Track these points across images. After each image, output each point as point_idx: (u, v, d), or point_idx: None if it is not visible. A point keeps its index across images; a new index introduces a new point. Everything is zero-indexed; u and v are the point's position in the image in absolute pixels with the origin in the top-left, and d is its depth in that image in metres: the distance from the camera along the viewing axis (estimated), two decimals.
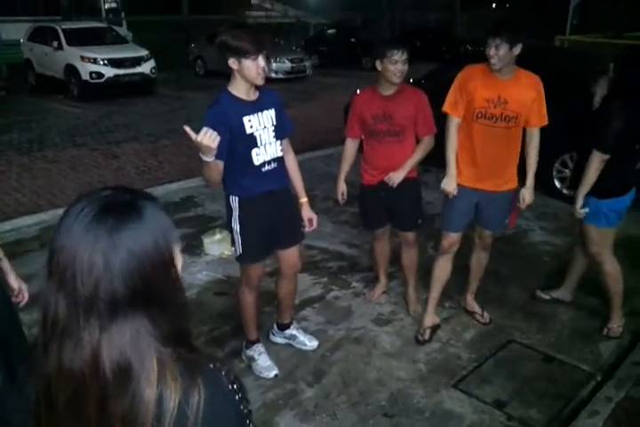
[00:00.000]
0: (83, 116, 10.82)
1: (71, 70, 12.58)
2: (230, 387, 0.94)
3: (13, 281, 2.25)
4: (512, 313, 3.77)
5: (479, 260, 3.63)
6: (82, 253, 0.86)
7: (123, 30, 17.94)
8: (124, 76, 12.69)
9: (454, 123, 3.23)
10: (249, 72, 2.64)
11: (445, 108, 3.24)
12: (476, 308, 3.72)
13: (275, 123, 2.84)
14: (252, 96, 2.78)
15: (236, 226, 2.91)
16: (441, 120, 3.31)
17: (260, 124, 2.78)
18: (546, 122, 3.18)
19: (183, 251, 1.00)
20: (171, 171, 7.20)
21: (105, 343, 0.86)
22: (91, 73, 12.35)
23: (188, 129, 2.26)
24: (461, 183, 3.27)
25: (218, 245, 4.63)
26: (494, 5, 35.81)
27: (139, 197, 0.94)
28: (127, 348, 0.86)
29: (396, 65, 3.23)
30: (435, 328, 3.55)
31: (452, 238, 3.41)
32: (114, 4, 21.06)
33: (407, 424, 2.81)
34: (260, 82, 2.70)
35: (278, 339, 3.44)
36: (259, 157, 2.80)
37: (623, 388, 2.99)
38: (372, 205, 3.65)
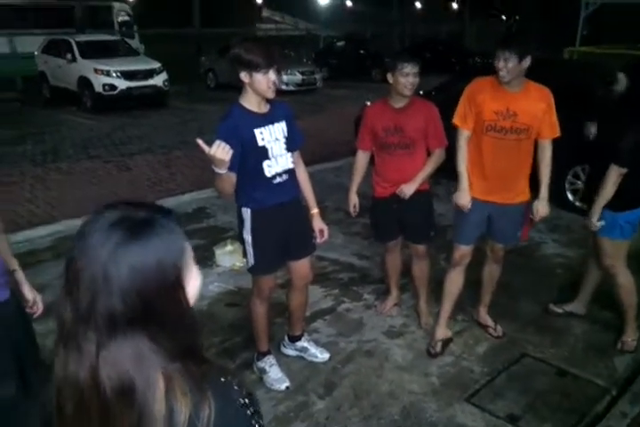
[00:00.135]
0: (96, 128, 10.93)
1: (84, 82, 12.74)
2: (242, 401, 0.93)
3: (28, 292, 2.27)
4: (525, 327, 3.74)
5: (491, 272, 3.61)
6: (88, 264, 0.87)
7: (135, 43, 18.19)
8: (137, 88, 12.83)
9: (464, 136, 3.23)
10: (260, 85, 2.67)
11: (455, 120, 3.24)
12: (488, 321, 3.69)
13: (286, 135, 2.86)
14: (264, 109, 2.80)
15: (248, 237, 2.92)
16: (452, 132, 3.31)
17: (272, 137, 2.80)
18: (558, 133, 3.17)
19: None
20: (183, 182, 7.24)
21: (103, 360, 0.86)
22: (104, 85, 12.50)
23: (200, 142, 2.28)
24: (472, 195, 3.26)
25: (229, 257, 4.64)
26: (504, 17, 35.95)
27: (155, 214, 0.93)
28: (128, 366, 0.86)
29: (407, 77, 3.25)
30: (447, 341, 3.53)
31: (463, 251, 3.40)
32: (126, 18, 21.32)
33: None
34: (270, 95, 2.72)
35: (289, 351, 3.44)
36: (270, 168, 2.82)
37: (638, 403, 2.95)
38: (383, 217, 3.65)
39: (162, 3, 30.76)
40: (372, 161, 3.64)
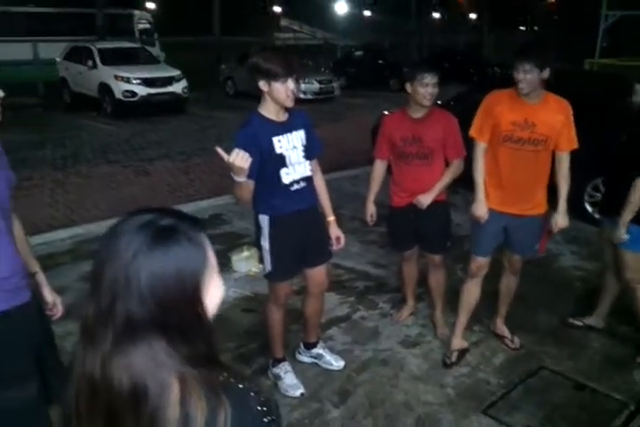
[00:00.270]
0: (115, 134, 11.06)
1: (105, 89, 12.92)
2: (259, 408, 0.92)
3: (48, 294, 2.29)
4: (542, 339, 3.70)
5: (508, 284, 3.58)
6: (111, 265, 0.89)
7: (156, 51, 18.43)
8: (157, 95, 12.98)
9: (480, 148, 3.23)
10: (278, 94, 2.69)
11: (471, 133, 3.24)
12: (505, 332, 3.66)
13: (304, 143, 2.88)
14: (282, 117, 2.82)
15: (265, 244, 2.94)
16: (470, 142, 3.31)
17: (290, 145, 2.82)
18: (576, 146, 3.15)
19: None
20: (201, 188, 7.30)
21: (117, 361, 0.87)
22: (124, 92, 12.66)
23: (219, 150, 2.30)
24: (489, 206, 3.25)
25: (246, 263, 4.66)
26: (522, 28, 35.90)
27: (180, 222, 0.94)
28: (142, 368, 0.87)
29: (426, 88, 3.25)
30: (463, 352, 3.51)
31: (480, 262, 3.38)
32: (147, 25, 21.64)
33: None
34: (289, 104, 2.75)
35: (304, 358, 3.44)
36: (288, 176, 2.84)
37: None
38: (400, 226, 3.65)
39: (182, 11, 31.16)
40: (389, 170, 3.64)
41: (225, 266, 4.69)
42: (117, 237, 0.91)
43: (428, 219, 3.49)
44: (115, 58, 13.38)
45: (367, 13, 39.19)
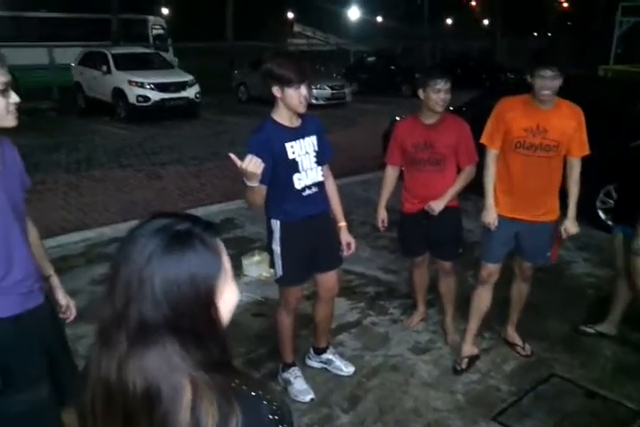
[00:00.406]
0: (129, 138, 11.15)
1: (119, 93, 13.04)
2: (270, 417, 0.91)
3: (62, 297, 2.31)
4: (554, 346, 3.68)
5: (520, 291, 3.57)
6: (126, 268, 0.90)
7: (169, 56, 18.60)
8: (170, 100, 13.09)
9: (491, 155, 3.22)
10: (291, 100, 2.71)
11: (482, 140, 3.24)
12: (516, 339, 3.64)
13: (316, 148, 2.89)
14: (295, 123, 2.84)
15: (276, 249, 2.95)
16: (482, 148, 3.31)
17: (302, 150, 2.83)
18: (587, 151, 3.14)
19: None
20: (213, 193, 7.34)
21: (131, 363, 0.88)
22: (137, 96, 12.78)
23: (233, 156, 2.32)
24: (499, 213, 3.24)
25: (256, 267, 4.68)
26: (535, 33, 35.80)
27: (198, 229, 0.94)
28: (156, 371, 0.87)
29: (438, 94, 3.25)
30: (473, 359, 3.49)
31: (490, 269, 3.37)
32: (161, 31, 21.84)
33: None
34: (301, 110, 2.76)
35: (314, 363, 3.44)
36: (300, 181, 2.85)
37: None
38: (411, 232, 3.64)
39: (195, 17, 31.43)
40: (400, 177, 3.64)
41: (236, 270, 4.71)
42: (134, 241, 0.92)
43: (440, 225, 3.48)
44: (129, 63, 13.52)
45: (380, 19, 39.27)
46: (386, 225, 3.65)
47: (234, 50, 21.12)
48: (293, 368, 3.25)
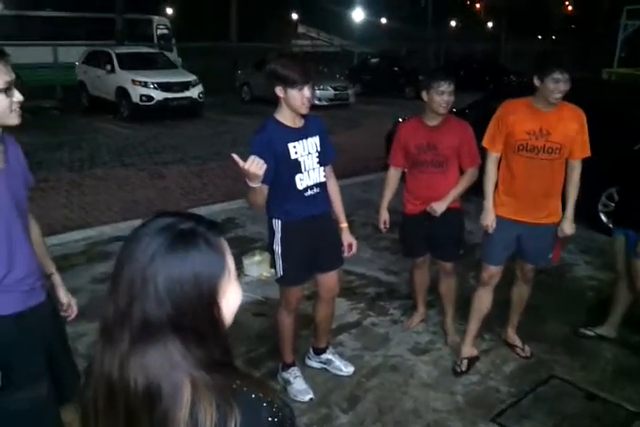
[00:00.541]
0: (132, 137, 11.17)
1: (122, 93, 13.07)
2: (270, 419, 0.91)
3: (63, 295, 2.31)
4: (554, 348, 3.68)
5: (521, 293, 3.57)
6: (129, 267, 0.91)
7: (173, 56, 18.61)
8: (173, 99, 13.11)
9: (492, 158, 3.23)
10: (294, 101, 2.71)
11: (484, 143, 3.25)
12: (516, 341, 3.64)
13: (318, 149, 2.90)
14: (298, 123, 2.85)
15: (277, 249, 2.95)
16: (484, 150, 3.31)
17: (305, 151, 2.84)
18: (588, 154, 3.14)
19: None
20: (215, 192, 7.35)
21: (133, 361, 0.88)
22: (141, 96, 12.80)
23: (235, 157, 2.32)
24: (501, 215, 3.24)
25: (257, 267, 4.68)
26: (539, 36, 35.79)
27: (202, 228, 0.94)
28: (157, 369, 0.88)
29: (442, 96, 3.25)
30: (473, 360, 3.49)
31: (491, 271, 3.37)
32: (165, 31, 21.87)
33: None
34: (304, 111, 2.77)
35: (314, 363, 3.44)
36: (302, 182, 2.86)
37: None
38: (413, 233, 3.64)
39: (199, 17, 31.47)
40: (402, 178, 3.65)
41: (237, 270, 4.71)
42: (138, 240, 0.92)
43: (441, 226, 3.48)
44: (133, 62, 13.56)
45: (384, 21, 39.29)
46: (388, 226, 3.65)
47: (237, 50, 21.15)
48: (293, 368, 3.25)
